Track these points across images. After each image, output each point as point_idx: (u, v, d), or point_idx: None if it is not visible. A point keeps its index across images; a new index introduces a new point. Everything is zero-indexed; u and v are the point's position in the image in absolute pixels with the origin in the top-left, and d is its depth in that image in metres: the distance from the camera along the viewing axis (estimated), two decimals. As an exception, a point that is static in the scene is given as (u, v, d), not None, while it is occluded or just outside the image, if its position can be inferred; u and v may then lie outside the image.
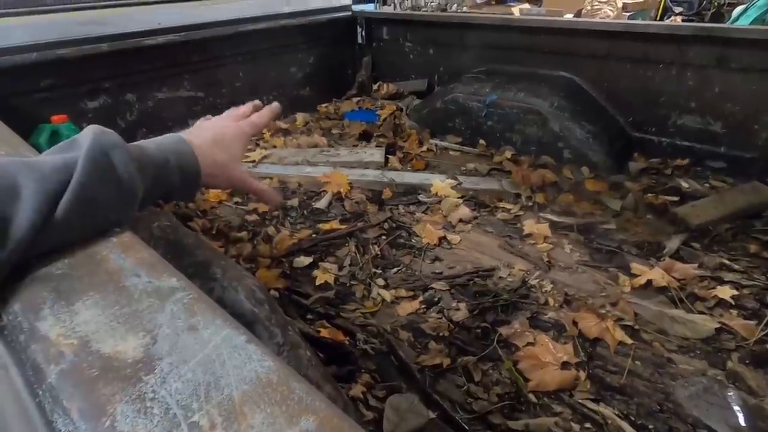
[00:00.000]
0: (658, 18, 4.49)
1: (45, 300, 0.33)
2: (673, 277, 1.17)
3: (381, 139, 2.10)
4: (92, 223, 0.40)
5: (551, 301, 1.14)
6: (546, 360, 0.95)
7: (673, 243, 1.30)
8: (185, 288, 0.34)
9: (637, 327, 1.04)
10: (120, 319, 0.31)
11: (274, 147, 2.05)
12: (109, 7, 1.62)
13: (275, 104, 0.62)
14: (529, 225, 1.43)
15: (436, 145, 2.06)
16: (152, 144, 0.47)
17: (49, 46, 1.45)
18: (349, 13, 2.48)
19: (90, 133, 0.41)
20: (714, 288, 1.14)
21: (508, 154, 1.89)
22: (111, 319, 0.31)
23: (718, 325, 1.03)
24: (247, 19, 2.03)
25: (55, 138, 1.41)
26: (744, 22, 2.91)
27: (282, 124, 2.27)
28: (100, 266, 0.37)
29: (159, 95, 1.85)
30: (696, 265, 1.21)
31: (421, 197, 1.65)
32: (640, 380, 0.92)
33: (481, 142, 2.00)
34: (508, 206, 1.58)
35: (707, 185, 1.63)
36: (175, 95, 1.90)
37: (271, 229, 1.48)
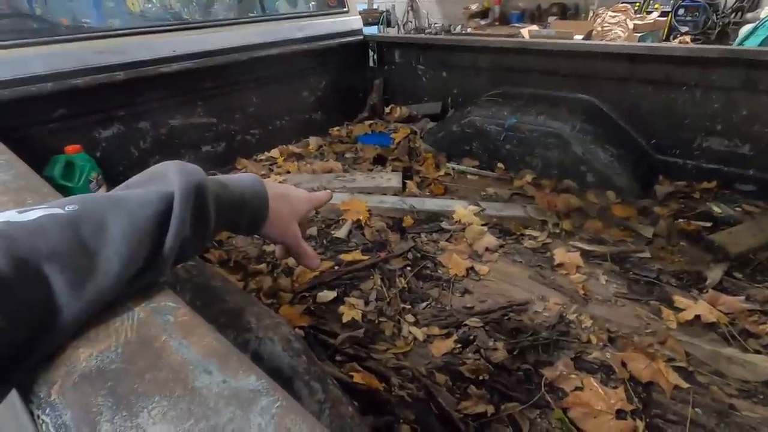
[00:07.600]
0: (664, 37, 4.53)
1: (101, 409, 0.27)
2: (721, 311, 1.11)
3: (396, 163, 2.06)
4: (178, 260, 0.39)
5: (594, 339, 1.07)
6: (598, 408, 0.88)
7: (714, 273, 1.25)
8: (269, 391, 0.28)
9: (690, 369, 0.98)
10: (198, 439, 0.25)
11: (288, 172, 2.01)
12: (124, 36, 1.59)
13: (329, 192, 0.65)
14: (559, 254, 1.38)
15: (453, 168, 2.02)
16: (230, 181, 0.46)
17: (65, 76, 1.42)
18: (361, 37, 2.47)
19: (176, 170, 0.39)
20: (765, 323, 1.08)
21: (529, 177, 1.84)
22: (186, 439, 0.25)
23: (778, 366, 0.97)
24: (260, 45, 2.01)
25: (69, 169, 1.37)
26: (754, 42, 2.91)
27: (295, 149, 2.24)
28: (161, 358, 0.31)
29: (172, 122, 1.82)
30: (743, 297, 1.15)
31: (444, 224, 1.60)
32: (705, 431, 0.85)
33: (500, 165, 1.96)
34: (535, 233, 1.52)
35: (739, 209, 1.58)
36: (189, 122, 1.87)
37: (291, 261, 1.42)
